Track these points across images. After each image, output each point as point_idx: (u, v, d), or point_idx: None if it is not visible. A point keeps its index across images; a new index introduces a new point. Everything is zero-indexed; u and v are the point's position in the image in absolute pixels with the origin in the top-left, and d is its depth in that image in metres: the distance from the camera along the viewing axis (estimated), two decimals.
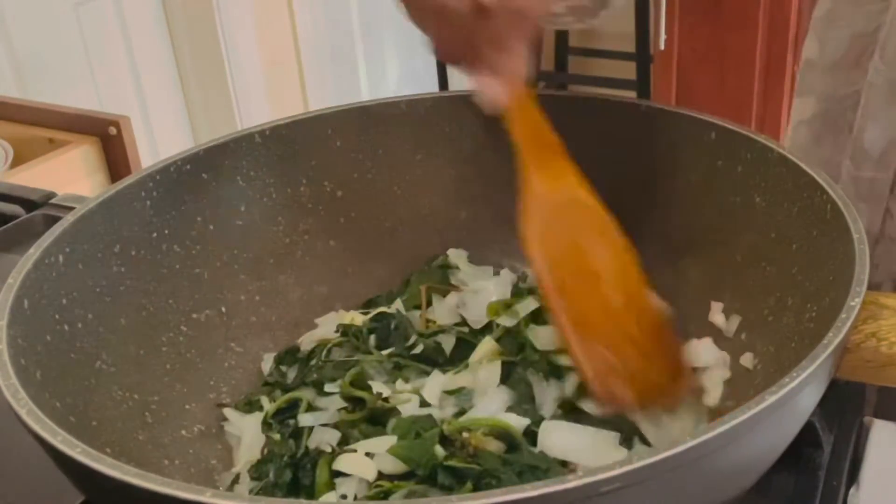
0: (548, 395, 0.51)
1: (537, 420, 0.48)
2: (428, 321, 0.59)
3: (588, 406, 0.49)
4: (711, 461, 0.34)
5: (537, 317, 0.56)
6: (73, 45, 1.72)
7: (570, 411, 0.50)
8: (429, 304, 0.60)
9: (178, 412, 0.53)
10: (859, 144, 0.67)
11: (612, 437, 0.47)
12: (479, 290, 0.59)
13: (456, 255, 0.63)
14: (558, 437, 0.47)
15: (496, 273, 0.62)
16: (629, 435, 0.48)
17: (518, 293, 0.59)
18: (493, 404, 0.50)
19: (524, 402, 0.50)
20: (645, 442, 0.48)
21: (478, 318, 0.58)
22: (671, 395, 0.50)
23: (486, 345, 0.54)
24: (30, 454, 0.38)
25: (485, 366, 0.53)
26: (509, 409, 0.50)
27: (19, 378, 0.39)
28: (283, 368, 0.58)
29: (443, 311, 0.59)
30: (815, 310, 0.45)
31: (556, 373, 0.52)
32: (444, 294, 0.60)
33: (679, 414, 0.51)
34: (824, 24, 0.71)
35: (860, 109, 0.68)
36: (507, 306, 0.57)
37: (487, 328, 0.57)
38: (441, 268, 0.62)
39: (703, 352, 0.54)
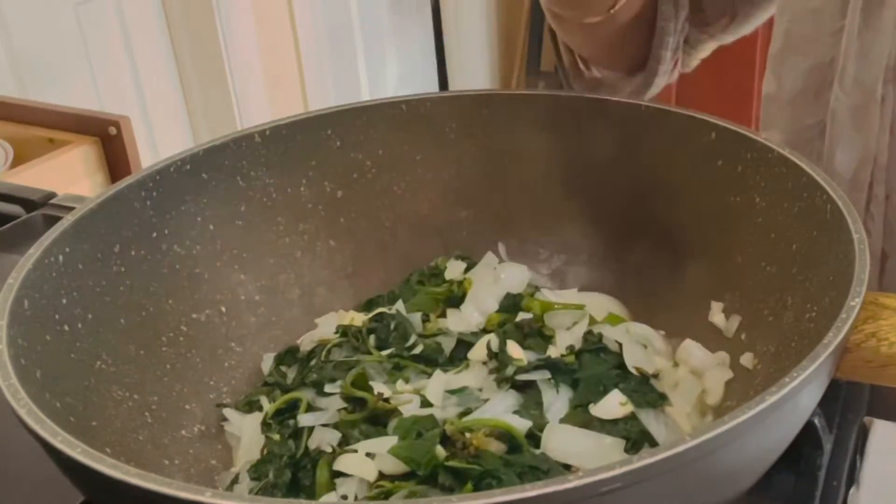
0: (556, 401, 0.50)
1: (542, 425, 0.48)
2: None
3: (597, 412, 0.49)
4: (711, 461, 0.34)
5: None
6: (73, 45, 1.72)
7: (578, 419, 0.50)
8: (442, 314, 0.60)
9: (178, 412, 0.53)
10: (830, 169, 0.68)
11: (617, 443, 0.47)
12: (480, 291, 0.60)
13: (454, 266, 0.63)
14: (562, 441, 0.46)
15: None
16: (637, 441, 0.48)
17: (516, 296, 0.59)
18: (499, 406, 0.49)
19: (531, 407, 0.50)
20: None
21: (478, 315, 0.58)
22: None
23: (485, 342, 0.54)
24: (30, 454, 0.38)
25: (488, 366, 0.53)
26: (515, 412, 0.49)
27: (19, 378, 0.39)
28: (283, 368, 0.58)
29: (456, 321, 0.59)
30: (815, 310, 0.45)
31: (564, 378, 0.52)
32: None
33: (683, 415, 0.51)
34: (780, 60, 0.72)
35: (827, 137, 0.69)
36: (501, 323, 0.57)
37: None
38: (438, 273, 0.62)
39: (694, 353, 0.54)
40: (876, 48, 0.64)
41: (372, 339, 0.57)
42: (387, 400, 0.50)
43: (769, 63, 0.73)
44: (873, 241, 0.68)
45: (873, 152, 0.66)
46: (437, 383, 0.51)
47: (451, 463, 0.44)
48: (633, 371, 0.52)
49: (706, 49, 0.76)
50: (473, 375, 0.53)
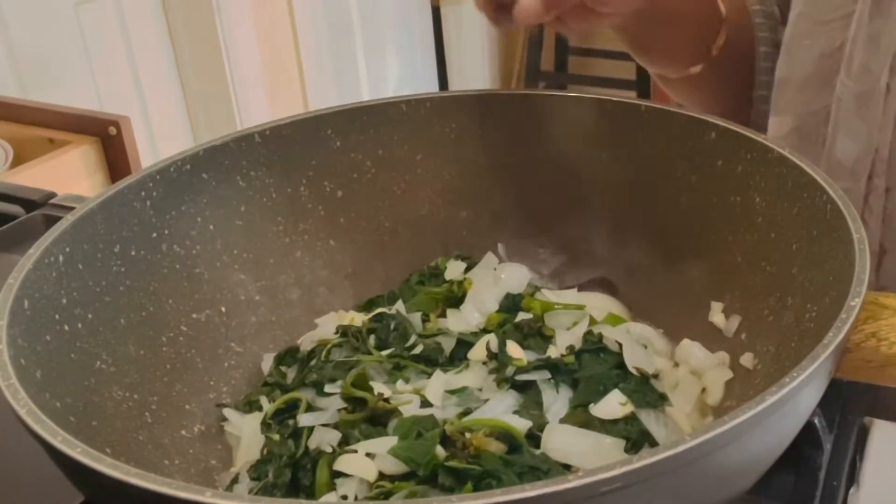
0: (556, 401, 0.50)
1: (542, 425, 0.48)
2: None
3: (597, 412, 0.49)
4: (711, 461, 0.34)
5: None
6: (73, 45, 1.72)
7: (578, 419, 0.50)
8: (442, 314, 0.60)
9: (178, 412, 0.53)
10: (832, 156, 0.68)
11: (617, 443, 0.47)
12: (480, 291, 0.60)
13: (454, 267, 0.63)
14: (562, 441, 0.46)
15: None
16: (637, 441, 0.48)
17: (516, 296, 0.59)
18: (499, 406, 0.49)
19: (531, 407, 0.50)
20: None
21: (478, 316, 0.58)
22: None
23: (485, 342, 0.54)
24: (30, 454, 0.38)
25: (487, 366, 0.53)
26: (515, 412, 0.49)
27: (19, 378, 0.39)
28: (283, 368, 0.58)
29: (456, 321, 0.59)
30: (815, 310, 0.45)
31: (564, 378, 0.52)
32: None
33: (683, 416, 0.51)
34: (793, 43, 0.71)
35: (830, 123, 0.69)
36: (501, 323, 0.57)
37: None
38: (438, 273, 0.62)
39: (694, 353, 0.54)
40: (885, 36, 0.64)
41: (372, 339, 0.57)
42: (387, 400, 0.50)
43: (783, 47, 0.73)
44: (871, 233, 0.68)
45: (875, 143, 0.66)
46: (437, 383, 0.51)
47: (451, 463, 0.44)
48: (633, 371, 0.52)
49: None
50: (473, 375, 0.53)
